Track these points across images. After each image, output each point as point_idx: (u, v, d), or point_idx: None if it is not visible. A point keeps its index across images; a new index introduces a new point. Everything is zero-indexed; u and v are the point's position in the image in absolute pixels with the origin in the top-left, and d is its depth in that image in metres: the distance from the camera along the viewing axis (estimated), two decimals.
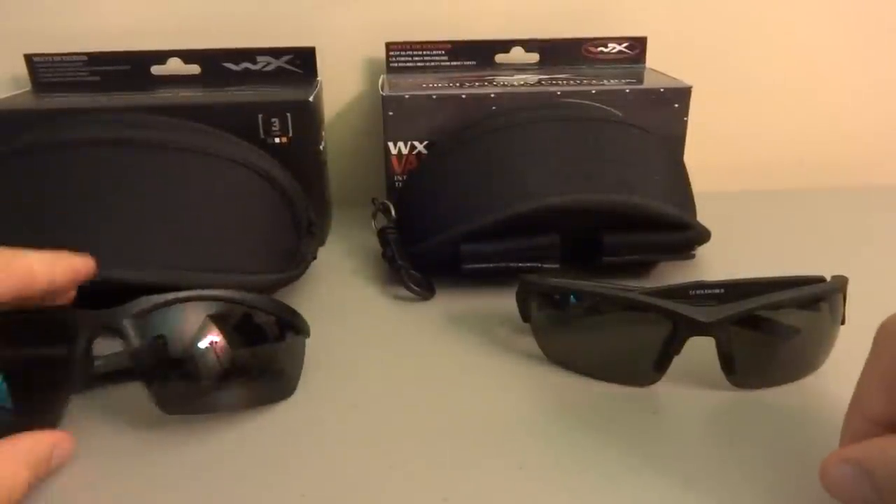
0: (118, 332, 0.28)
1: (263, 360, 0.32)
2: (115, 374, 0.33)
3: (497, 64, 0.55)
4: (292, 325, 0.32)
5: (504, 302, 0.40)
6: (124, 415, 0.31)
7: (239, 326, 0.30)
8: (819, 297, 0.32)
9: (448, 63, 0.54)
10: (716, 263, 0.45)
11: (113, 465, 0.28)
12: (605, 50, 0.55)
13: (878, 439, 0.23)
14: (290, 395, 0.32)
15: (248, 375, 0.31)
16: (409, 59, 0.54)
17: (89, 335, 0.28)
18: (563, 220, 0.39)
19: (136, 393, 0.32)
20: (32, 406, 0.29)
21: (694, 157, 0.50)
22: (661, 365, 0.31)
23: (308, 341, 0.34)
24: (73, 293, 0.31)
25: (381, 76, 0.53)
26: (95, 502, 0.26)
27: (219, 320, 0.30)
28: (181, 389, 0.29)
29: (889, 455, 0.22)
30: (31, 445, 0.26)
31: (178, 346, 0.29)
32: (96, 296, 0.31)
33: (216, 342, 0.29)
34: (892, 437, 0.23)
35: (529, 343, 0.36)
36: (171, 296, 0.29)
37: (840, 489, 0.23)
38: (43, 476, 0.27)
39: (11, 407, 0.28)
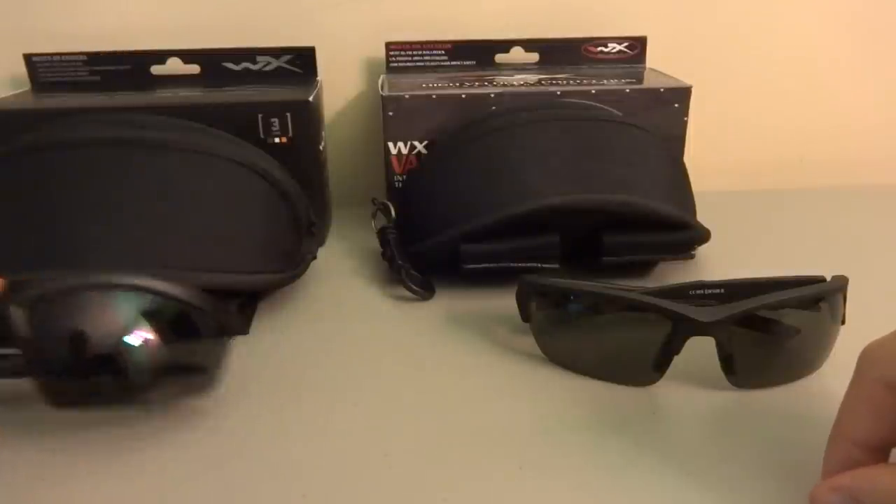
0: (3, 319, 0.26)
1: (167, 354, 0.29)
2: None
3: (497, 64, 0.55)
4: (210, 320, 0.29)
5: (504, 302, 0.40)
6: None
7: (145, 317, 0.28)
8: (819, 297, 0.32)
9: (448, 63, 0.54)
10: (716, 263, 0.45)
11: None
12: (604, 50, 0.55)
13: (867, 468, 0.23)
14: (208, 391, 0.30)
15: (150, 370, 0.28)
16: (409, 59, 0.54)
17: None
18: (562, 220, 0.39)
19: None
20: None
21: (694, 157, 0.50)
22: (660, 365, 0.31)
23: (307, 342, 0.33)
24: None
25: (381, 76, 0.53)
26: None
27: (117, 310, 0.28)
28: (69, 382, 0.28)
29: (879, 484, 0.22)
30: None
31: (69, 337, 0.27)
32: None
33: (111, 333, 0.27)
34: (881, 466, 0.23)
35: (529, 343, 0.36)
36: (65, 282, 0.27)
37: None
38: None
39: None
